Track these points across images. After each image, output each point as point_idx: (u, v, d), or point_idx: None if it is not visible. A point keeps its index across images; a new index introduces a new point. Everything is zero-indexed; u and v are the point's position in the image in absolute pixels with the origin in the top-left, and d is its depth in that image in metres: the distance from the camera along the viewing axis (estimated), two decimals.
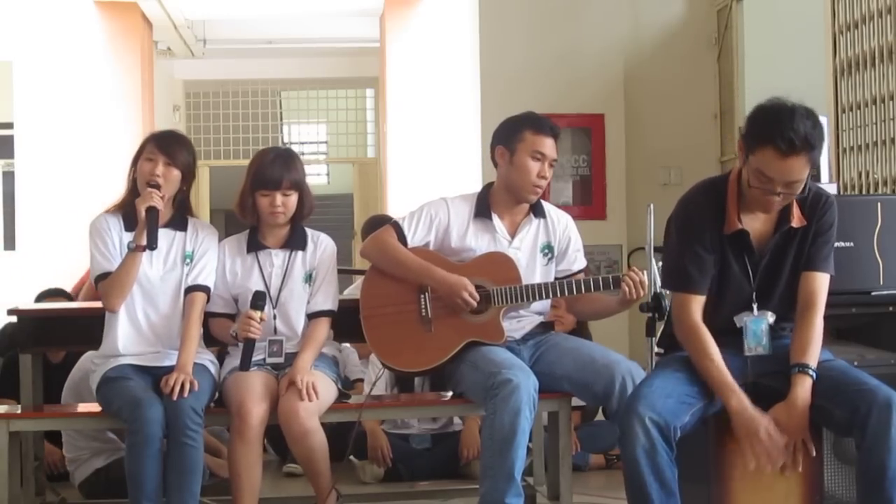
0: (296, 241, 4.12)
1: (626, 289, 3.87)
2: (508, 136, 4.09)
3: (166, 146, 3.99)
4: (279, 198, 4.04)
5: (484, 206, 4.11)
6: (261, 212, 4.08)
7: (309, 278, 4.10)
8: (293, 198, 4.07)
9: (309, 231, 4.18)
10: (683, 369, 3.36)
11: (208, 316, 4.08)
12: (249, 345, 3.92)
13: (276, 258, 4.10)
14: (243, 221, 4.17)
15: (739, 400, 3.24)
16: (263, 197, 4.05)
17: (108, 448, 4.78)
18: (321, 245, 4.15)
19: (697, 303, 3.38)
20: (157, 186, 3.93)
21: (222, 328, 4.08)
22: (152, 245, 3.88)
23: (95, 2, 9.13)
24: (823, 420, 3.29)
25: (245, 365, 3.91)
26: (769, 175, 3.21)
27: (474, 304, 3.96)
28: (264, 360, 4.02)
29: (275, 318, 4.06)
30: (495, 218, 4.10)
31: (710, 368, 3.30)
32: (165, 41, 10.20)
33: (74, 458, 4.86)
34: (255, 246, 4.12)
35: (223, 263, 4.11)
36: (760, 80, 7.06)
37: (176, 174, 3.99)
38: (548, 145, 4.06)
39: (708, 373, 3.30)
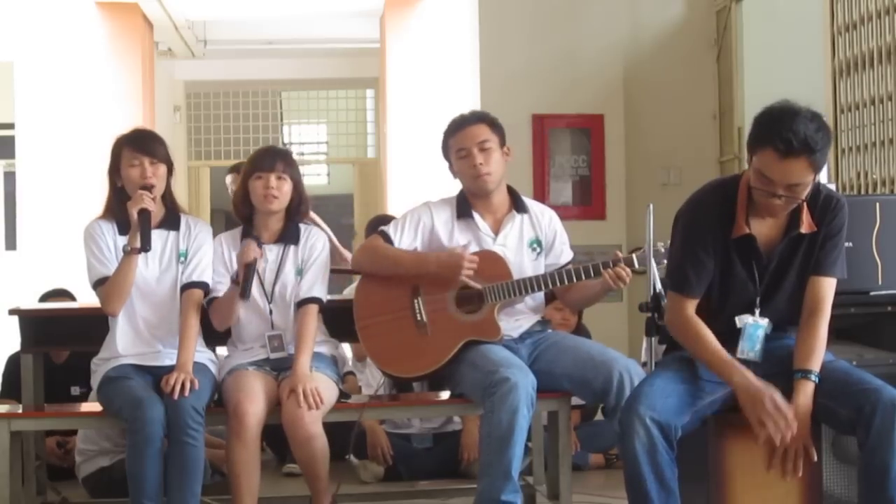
0: (289, 236, 4.13)
1: (607, 277, 3.91)
2: (443, 152, 4.20)
3: (145, 146, 3.99)
4: (273, 179, 4.05)
5: (465, 206, 4.15)
6: (255, 198, 4.08)
7: (300, 272, 4.11)
8: (287, 185, 4.09)
9: (303, 227, 4.19)
10: (684, 369, 3.37)
11: (211, 302, 4.05)
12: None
13: (269, 253, 4.10)
14: (238, 218, 4.18)
15: (742, 375, 3.23)
16: (257, 181, 4.07)
17: (116, 450, 4.78)
18: (312, 237, 4.16)
19: (691, 304, 3.38)
20: (151, 188, 3.94)
21: (221, 304, 4.02)
22: (146, 247, 3.89)
23: (96, 2, 9.12)
24: (826, 418, 3.30)
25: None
26: (769, 176, 3.19)
27: (474, 266, 3.95)
28: (267, 358, 4.03)
29: (271, 312, 4.07)
30: (476, 216, 4.13)
31: (709, 350, 3.29)
32: (166, 42, 10.19)
33: (83, 451, 4.88)
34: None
35: (219, 256, 4.10)
36: (760, 81, 7.07)
37: (163, 170, 4.01)
38: (465, 136, 4.10)
39: (707, 355, 3.30)
